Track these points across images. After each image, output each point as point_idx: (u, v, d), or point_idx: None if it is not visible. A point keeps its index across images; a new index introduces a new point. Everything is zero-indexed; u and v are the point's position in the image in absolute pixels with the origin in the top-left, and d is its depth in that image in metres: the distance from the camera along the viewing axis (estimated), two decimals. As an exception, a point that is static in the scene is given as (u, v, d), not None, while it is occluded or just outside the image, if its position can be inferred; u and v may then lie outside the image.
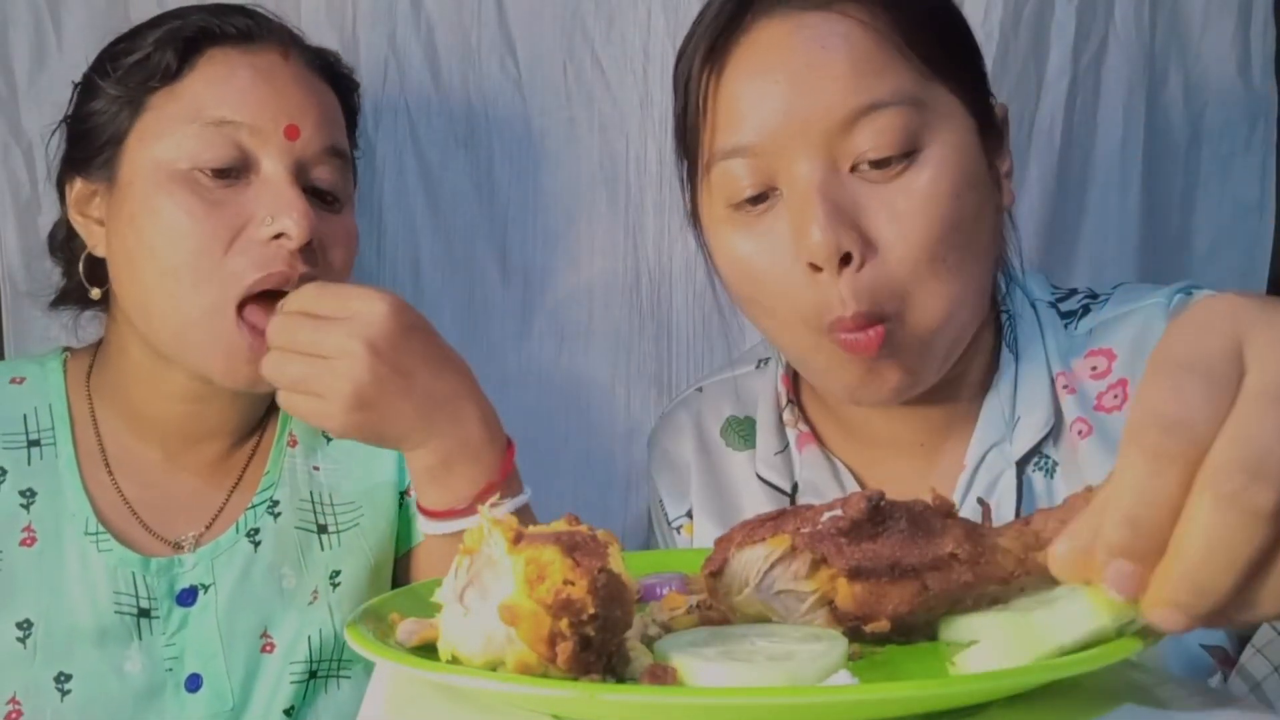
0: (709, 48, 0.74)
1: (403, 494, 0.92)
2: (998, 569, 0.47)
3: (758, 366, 0.91)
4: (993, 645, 0.43)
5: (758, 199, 0.71)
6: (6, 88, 1.06)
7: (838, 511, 0.48)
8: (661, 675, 0.44)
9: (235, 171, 0.80)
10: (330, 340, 0.71)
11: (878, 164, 0.68)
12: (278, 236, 0.78)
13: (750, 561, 0.49)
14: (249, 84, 0.81)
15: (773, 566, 0.48)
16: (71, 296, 0.89)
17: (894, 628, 0.48)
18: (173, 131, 0.80)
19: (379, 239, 1.13)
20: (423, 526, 0.79)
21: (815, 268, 0.68)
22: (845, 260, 0.68)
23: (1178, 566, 0.39)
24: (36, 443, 0.85)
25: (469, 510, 0.76)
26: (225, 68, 0.81)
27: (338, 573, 0.87)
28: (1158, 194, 1.15)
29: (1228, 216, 1.16)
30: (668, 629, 0.51)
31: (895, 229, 0.68)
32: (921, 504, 0.49)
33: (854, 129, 0.68)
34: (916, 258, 0.68)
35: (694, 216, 0.80)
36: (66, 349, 0.91)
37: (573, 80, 1.12)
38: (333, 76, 0.88)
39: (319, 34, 1.09)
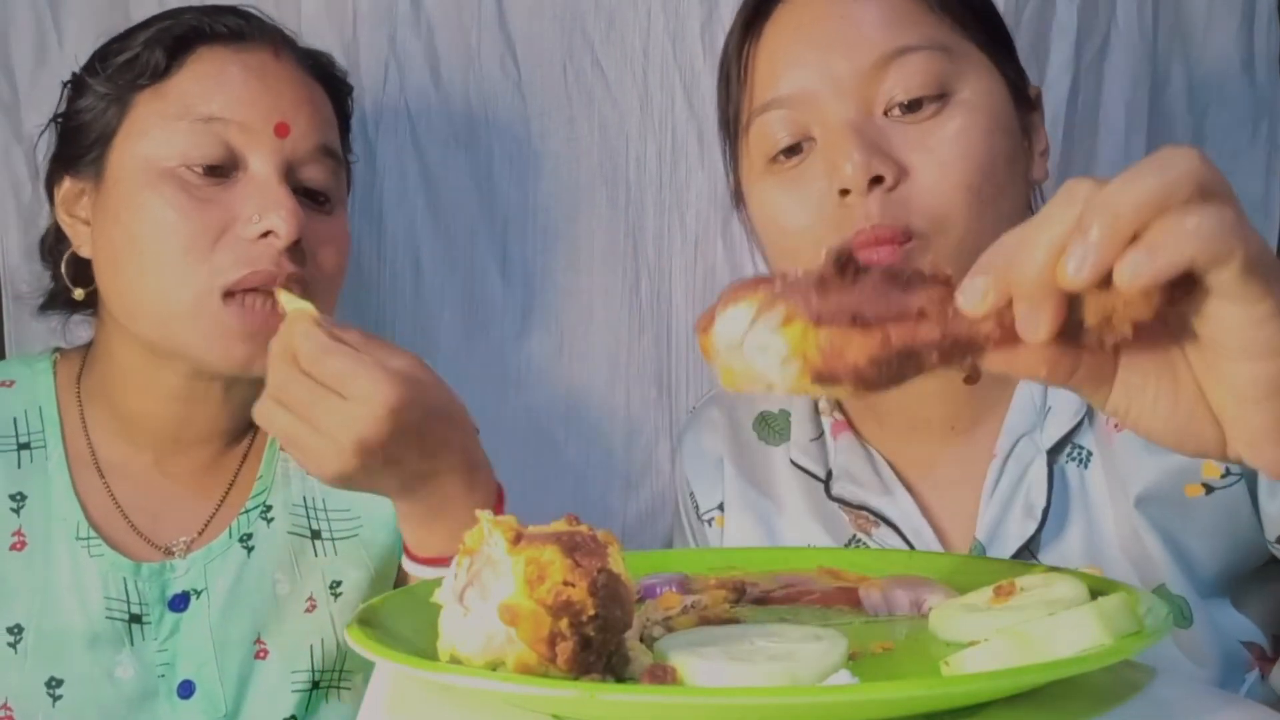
0: (747, 20, 0.77)
1: None
2: (969, 329, 0.44)
3: None
4: (989, 655, 0.42)
5: (793, 150, 0.73)
6: (8, 88, 1.06)
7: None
8: (661, 675, 0.44)
9: (224, 169, 0.79)
10: (323, 418, 0.66)
11: (909, 107, 0.70)
12: (265, 235, 0.78)
13: (735, 318, 0.47)
14: (239, 81, 0.80)
15: (753, 323, 0.46)
16: (60, 300, 0.89)
17: (859, 384, 0.45)
18: (161, 129, 0.79)
19: (379, 239, 1.12)
20: (406, 565, 0.77)
21: (844, 192, 0.69)
22: (876, 182, 0.69)
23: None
24: (26, 446, 0.85)
25: (446, 562, 0.74)
26: (215, 65, 0.81)
27: (338, 583, 0.87)
28: (1160, 193, 1.15)
29: (1231, 215, 1.16)
30: (668, 629, 0.51)
31: (930, 158, 0.70)
32: (913, 269, 0.46)
33: (885, 73, 0.70)
34: (953, 182, 0.69)
35: (737, 196, 0.82)
36: (57, 350, 0.91)
37: (573, 81, 1.12)
38: (325, 77, 0.88)
39: (319, 35, 1.09)
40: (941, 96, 0.70)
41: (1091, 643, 0.42)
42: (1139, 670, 0.47)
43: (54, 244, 0.88)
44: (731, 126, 0.80)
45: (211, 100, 0.79)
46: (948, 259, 0.69)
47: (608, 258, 1.13)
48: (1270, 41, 1.15)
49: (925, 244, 0.69)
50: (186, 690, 0.82)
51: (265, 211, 0.78)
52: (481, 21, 1.12)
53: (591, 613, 0.42)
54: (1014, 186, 0.74)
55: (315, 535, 0.88)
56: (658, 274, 1.13)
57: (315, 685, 0.85)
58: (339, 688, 0.86)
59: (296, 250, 0.79)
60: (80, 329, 0.92)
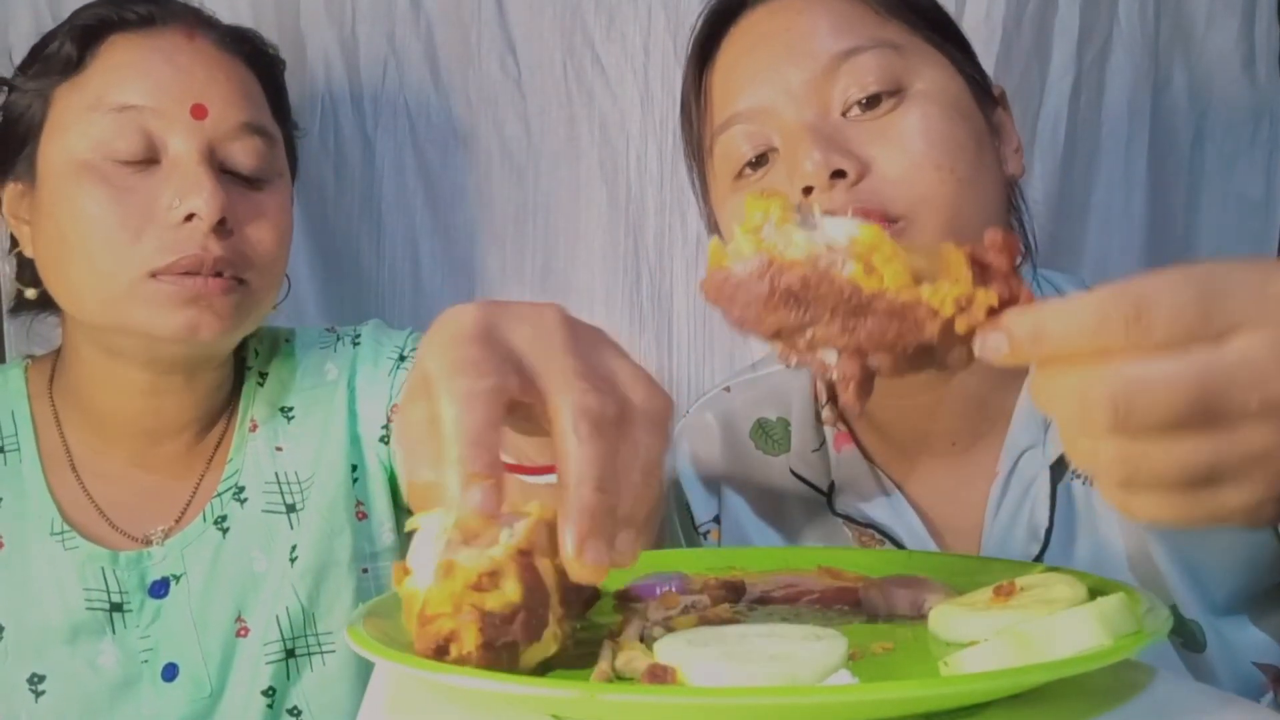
0: (700, 48, 0.77)
1: (379, 440, 0.90)
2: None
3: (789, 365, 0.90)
4: (989, 655, 0.42)
5: (757, 163, 0.73)
6: (8, 88, 1.06)
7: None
8: (661, 675, 0.43)
9: (144, 157, 0.79)
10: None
11: (866, 105, 0.70)
12: (189, 218, 0.77)
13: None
14: (151, 67, 0.80)
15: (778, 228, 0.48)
16: (27, 302, 0.88)
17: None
18: (78, 122, 0.79)
19: (379, 239, 1.13)
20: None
21: (808, 191, 0.68)
22: (839, 177, 0.68)
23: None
24: (0, 449, 0.85)
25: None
26: (126, 53, 0.80)
27: (294, 547, 0.87)
28: (1162, 192, 1.15)
29: (1232, 214, 1.16)
30: (668, 629, 0.51)
31: (892, 148, 0.69)
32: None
33: (837, 75, 0.70)
34: (921, 166, 0.68)
35: (711, 225, 0.81)
36: (29, 356, 0.92)
37: (573, 80, 1.12)
38: (250, 54, 0.86)
39: (318, 33, 1.09)
40: (897, 92, 0.70)
41: (1091, 643, 0.42)
42: (1139, 670, 0.47)
43: (10, 247, 0.88)
44: (696, 154, 0.79)
45: (125, 89, 0.79)
46: (933, 231, 0.67)
47: (608, 257, 1.13)
48: (1270, 41, 1.15)
49: (910, 225, 0.67)
50: (170, 673, 0.82)
51: (185, 195, 0.77)
52: (481, 20, 1.12)
53: (467, 651, 0.43)
54: (988, 172, 0.72)
55: (291, 509, 0.87)
56: (658, 273, 1.13)
57: (290, 654, 0.85)
58: (321, 653, 0.86)
59: (223, 230, 0.78)
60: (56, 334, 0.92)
